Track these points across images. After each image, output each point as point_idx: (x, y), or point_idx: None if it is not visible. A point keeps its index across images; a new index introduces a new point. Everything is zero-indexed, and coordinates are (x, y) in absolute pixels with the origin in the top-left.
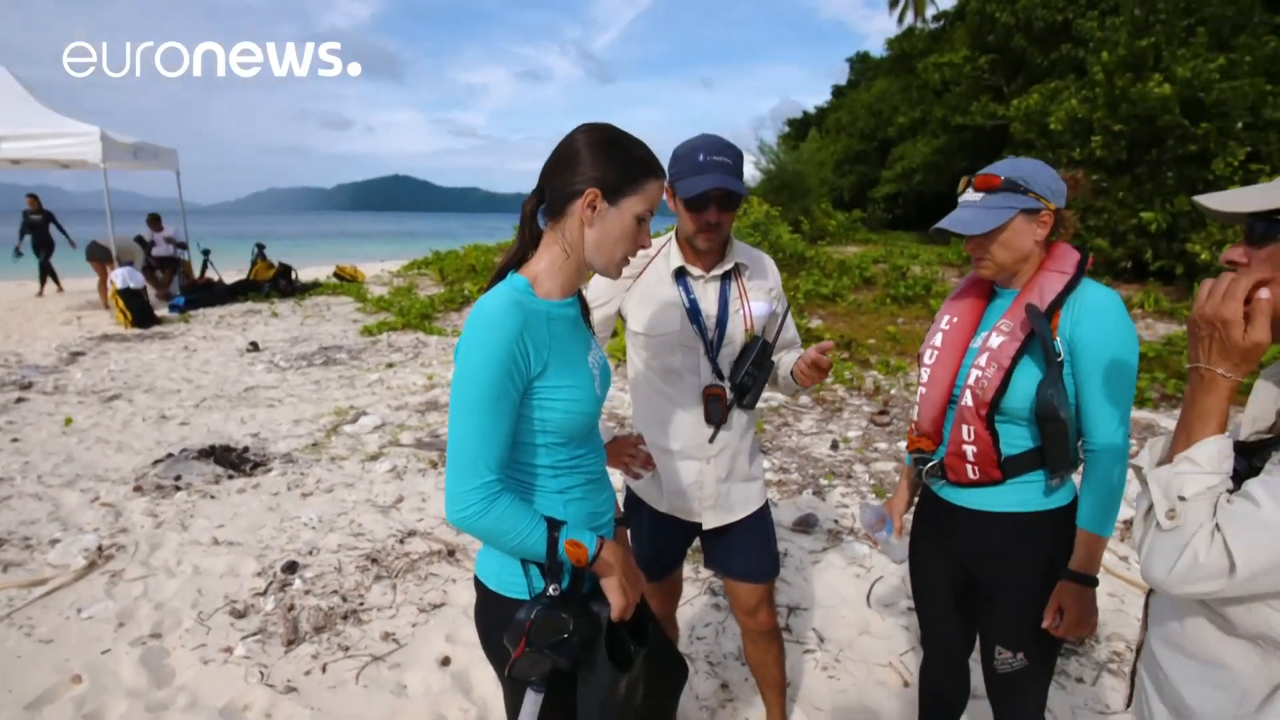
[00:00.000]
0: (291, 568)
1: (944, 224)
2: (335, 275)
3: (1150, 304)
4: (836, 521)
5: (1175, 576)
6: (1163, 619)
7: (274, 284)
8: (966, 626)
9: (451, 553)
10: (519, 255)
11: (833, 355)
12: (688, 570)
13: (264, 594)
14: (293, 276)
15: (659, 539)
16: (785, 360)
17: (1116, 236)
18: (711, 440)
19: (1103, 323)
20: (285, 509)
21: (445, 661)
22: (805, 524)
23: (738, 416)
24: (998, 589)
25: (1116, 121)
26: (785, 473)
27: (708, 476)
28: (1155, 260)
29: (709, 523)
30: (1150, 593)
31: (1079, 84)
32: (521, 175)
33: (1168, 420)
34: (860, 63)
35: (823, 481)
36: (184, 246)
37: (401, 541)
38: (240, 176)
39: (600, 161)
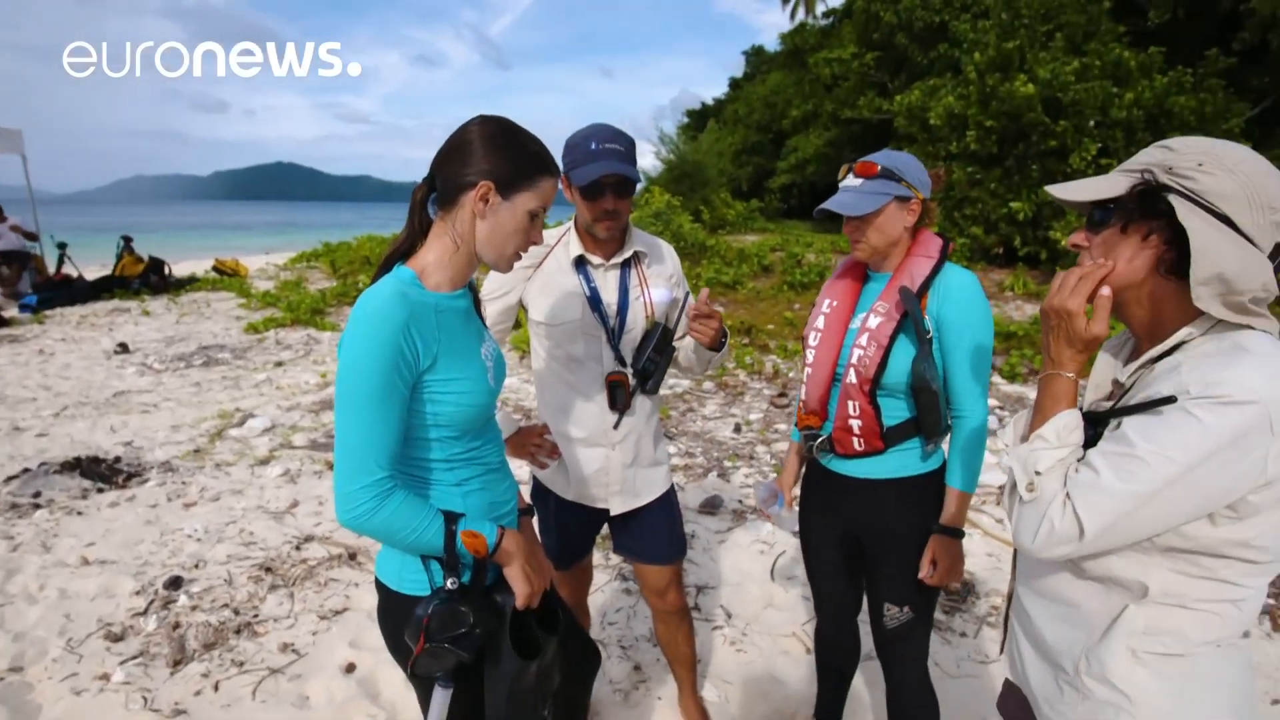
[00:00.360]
0: (175, 583)
1: (827, 205)
2: (214, 269)
3: (1020, 286)
4: (741, 502)
5: (1038, 544)
6: (1027, 570)
7: (144, 280)
8: (854, 588)
9: (353, 556)
10: (407, 245)
11: (708, 304)
12: (597, 557)
13: (144, 614)
14: (165, 271)
15: (567, 527)
16: (687, 344)
17: (989, 224)
18: (616, 426)
19: (965, 302)
20: (166, 521)
21: (350, 668)
22: (711, 505)
23: (641, 402)
24: (883, 549)
25: (988, 118)
26: (691, 457)
27: (613, 463)
28: (1023, 247)
29: (616, 508)
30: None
31: (955, 82)
32: (416, 163)
33: (1034, 392)
34: (755, 56)
35: (727, 464)
36: (34, 238)
37: (298, 548)
38: (101, 162)
39: (494, 154)
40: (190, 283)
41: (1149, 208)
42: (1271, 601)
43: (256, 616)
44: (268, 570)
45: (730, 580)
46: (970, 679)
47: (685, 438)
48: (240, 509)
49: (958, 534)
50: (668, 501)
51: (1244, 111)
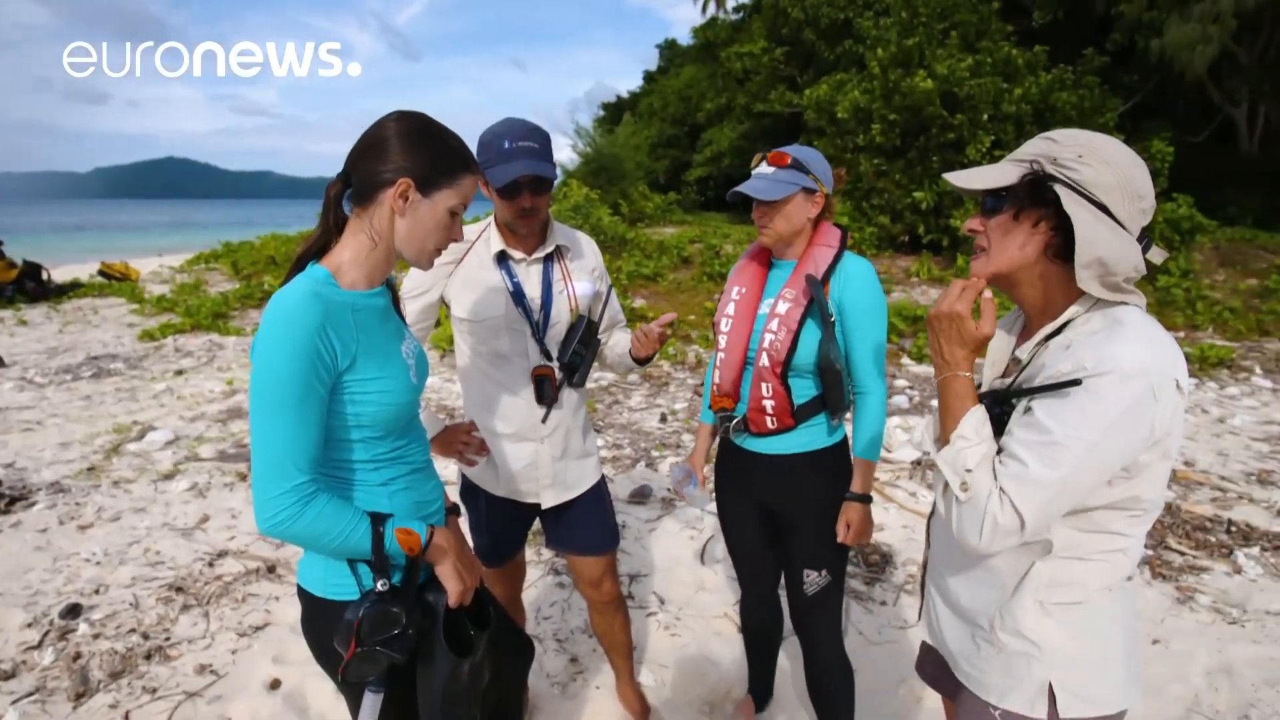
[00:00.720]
0: (73, 611)
1: (741, 188)
2: (101, 274)
3: (924, 272)
4: (669, 490)
5: (985, 542)
6: (940, 538)
7: (18, 286)
8: (773, 559)
9: (272, 569)
10: (321, 243)
11: (669, 330)
12: (529, 553)
13: (39, 646)
14: (43, 277)
15: (498, 523)
16: (616, 340)
17: (895, 214)
18: (544, 420)
19: (864, 288)
20: (59, 546)
21: (274, 685)
22: (640, 495)
23: (568, 395)
24: (798, 519)
25: (891, 111)
26: (618, 448)
27: (543, 456)
28: (927, 234)
29: (547, 501)
30: (930, 517)
31: (860, 77)
32: (322, 158)
33: None
34: (669, 49)
35: (654, 453)
36: None
37: (211, 564)
38: None
39: (413, 151)
40: (73, 289)
41: (1038, 197)
42: (1149, 552)
43: (168, 639)
44: (178, 590)
45: (661, 567)
46: (890, 644)
47: (612, 429)
48: (144, 528)
49: (866, 499)
50: (599, 492)
51: (1117, 106)
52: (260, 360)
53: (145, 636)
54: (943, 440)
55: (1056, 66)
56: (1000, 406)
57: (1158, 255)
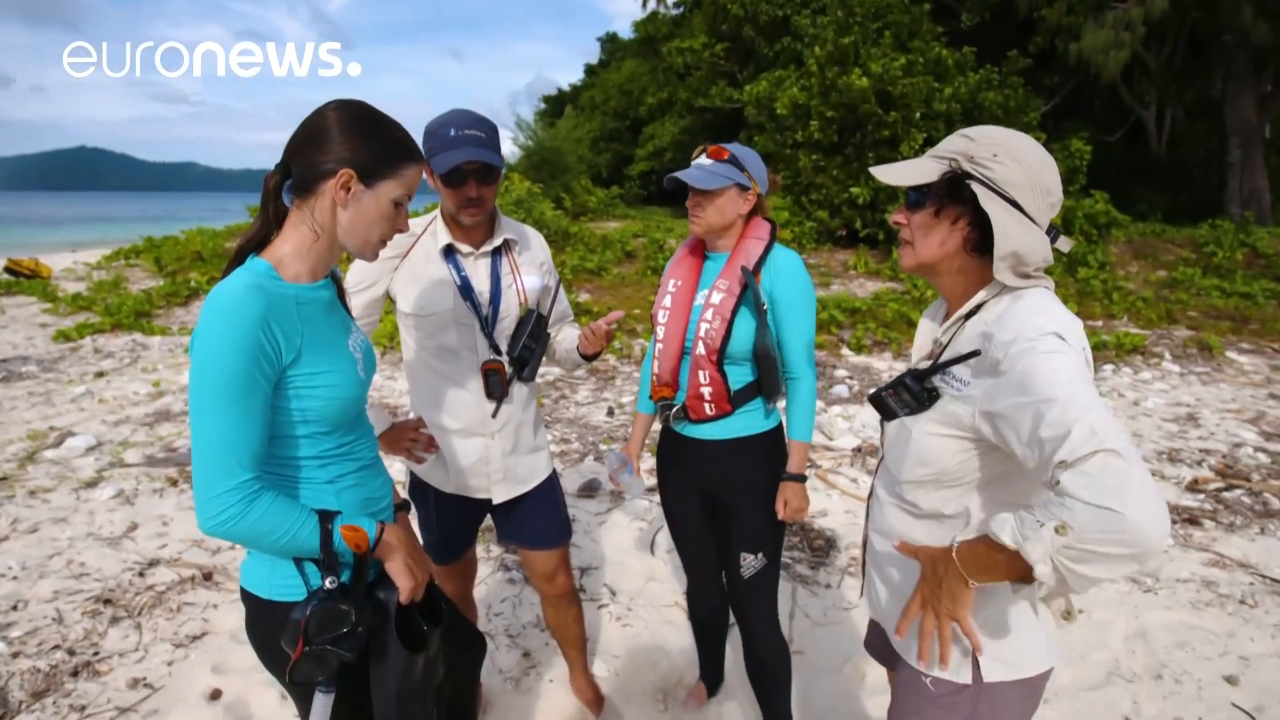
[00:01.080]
0: None
1: (678, 174)
2: (7, 270)
3: (862, 265)
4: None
5: (1130, 503)
6: (875, 518)
7: None
8: (715, 542)
9: (208, 576)
10: (260, 236)
11: (615, 327)
12: (478, 550)
13: None
14: None
15: (448, 520)
16: (564, 335)
17: (833, 209)
18: (494, 415)
19: (793, 279)
20: None
21: (215, 695)
22: (589, 489)
23: (518, 389)
24: (737, 501)
25: (829, 109)
26: (566, 443)
27: (493, 451)
28: (864, 228)
29: (499, 497)
30: (870, 498)
31: (798, 74)
32: (251, 149)
33: (879, 362)
34: (610, 42)
35: (602, 447)
36: None
37: (141, 574)
38: None
39: (354, 141)
40: None
41: (956, 195)
42: None
43: (97, 654)
44: (107, 602)
45: (612, 559)
46: (835, 625)
47: (560, 424)
48: (66, 538)
49: (802, 479)
50: (550, 486)
51: (1039, 106)
52: (199, 355)
53: (71, 652)
54: (1019, 573)
55: (984, 67)
56: (921, 383)
57: (1065, 244)
